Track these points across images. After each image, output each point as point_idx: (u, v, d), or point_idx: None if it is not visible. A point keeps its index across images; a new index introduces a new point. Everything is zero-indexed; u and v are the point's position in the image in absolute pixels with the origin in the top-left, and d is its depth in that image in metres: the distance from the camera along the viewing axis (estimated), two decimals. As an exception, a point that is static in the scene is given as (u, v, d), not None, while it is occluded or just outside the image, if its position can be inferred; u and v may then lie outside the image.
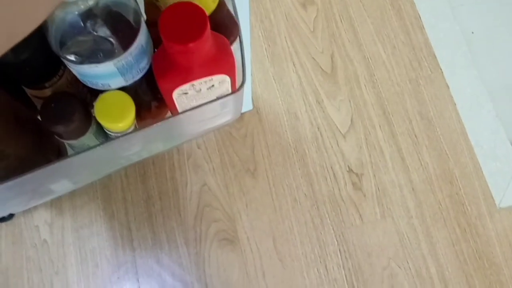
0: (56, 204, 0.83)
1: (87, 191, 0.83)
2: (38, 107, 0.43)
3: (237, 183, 0.84)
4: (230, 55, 0.45)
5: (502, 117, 0.85)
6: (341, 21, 0.94)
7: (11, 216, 0.81)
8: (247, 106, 0.84)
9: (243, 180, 0.84)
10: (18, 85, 0.42)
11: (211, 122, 0.59)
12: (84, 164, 0.46)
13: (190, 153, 0.85)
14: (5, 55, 0.32)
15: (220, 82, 0.47)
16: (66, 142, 0.47)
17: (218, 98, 0.49)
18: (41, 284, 0.80)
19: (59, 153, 0.44)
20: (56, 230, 0.82)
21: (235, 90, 0.51)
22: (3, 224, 0.82)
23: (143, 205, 0.83)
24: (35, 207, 0.82)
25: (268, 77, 0.90)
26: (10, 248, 0.81)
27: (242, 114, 0.87)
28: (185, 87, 0.46)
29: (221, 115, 0.56)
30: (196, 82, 0.46)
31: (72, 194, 0.83)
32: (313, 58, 0.91)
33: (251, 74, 0.73)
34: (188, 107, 0.49)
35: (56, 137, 0.47)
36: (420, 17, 0.93)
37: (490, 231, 0.81)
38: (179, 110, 0.50)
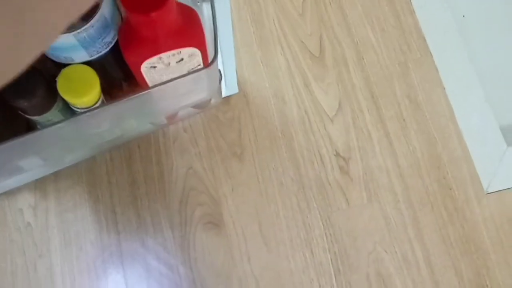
0: (40, 187, 0.82)
1: (71, 174, 0.82)
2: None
3: (223, 167, 0.83)
4: (198, 27, 0.44)
5: (492, 102, 0.84)
6: (330, 4, 0.92)
7: (-6, 198, 0.80)
8: (233, 89, 0.83)
9: (229, 164, 0.83)
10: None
11: (186, 99, 0.58)
12: (51, 140, 0.45)
13: (176, 137, 0.84)
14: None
15: (190, 55, 0.46)
16: (31, 118, 0.46)
17: (189, 73, 0.48)
18: (24, 267, 0.79)
19: (28, 130, 0.43)
20: (40, 213, 0.81)
21: (207, 65, 0.49)
22: (-14, 207, 0.81)
23: (128, 188, 0.82)
24: (19, 190, 0.81)
25: (255, 60, 0.89)
26: (-7, 231, 0.80)
27: (229, 97, 0.85)
28: (152, 60, 0.44)
29: (196, 92, 0.55)
30: (164, 55, 0.45)
31: (56, 177, 0.82)
32: (301, 41, 0.90)
33: (235, 56, 0.72)
34: (159, 81, 0.48)
35: (21, 112, 0.46)
36: (411, 1, 0.92)
37: (477, 216, 0.80)
38: (150, 85, 0.49)
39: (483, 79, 0.86)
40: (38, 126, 0.51)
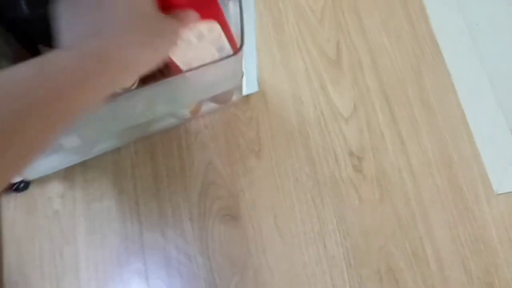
0: (68, 177, 0.87)
1: (98, 166, 0.87)
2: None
3: (242, 163, 0.87)
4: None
5: (503, 105, 0.87)
6: (347, 11, 0.96)
7: (26, 186, 0.85)
8: (253, 87, 0.87)
9: (247, 160, 0.87)
10: (33, 43, 0.45)
11: (212, 88, 0.62)
12: (92, 118, 0.49)
13: (197, 133, 0.89)
14: (21, 10, 0.35)
15: (209, 30, 0.48)
16: None
17: (219, 60, 0.52)
18: (51, 253, 0.84)
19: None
20: (67, 202, 0.86)
21: (235, 49, 0.53)
22: (18, 194, 0.86)
23: (151, 181, 0.87)
24: (49, 179, 0.86)
25: (275, 62, 0.93)
26: (24, 218, 0.85)
27: (249, 96, 0.90)
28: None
29: (223, 81, 0.59)
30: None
31: (83, 168, 0.87)
32: (319, 45, 0.94)
33: (256, 56, 0.76)
34: (189, 65, 0.52)
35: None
36: (425, 8, 0.95)
37: (487, 215, 0.83)
38: (181, 67, 0.52)
39: (494, 83, 0.89)
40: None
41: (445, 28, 0.93)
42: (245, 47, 0.54)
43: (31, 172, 0.80)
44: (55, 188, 0.87)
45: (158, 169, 0.87)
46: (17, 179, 0.83)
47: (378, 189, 0.84)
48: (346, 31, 0.95)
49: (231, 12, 0.56)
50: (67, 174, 0.87)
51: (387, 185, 0.85)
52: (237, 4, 0.53)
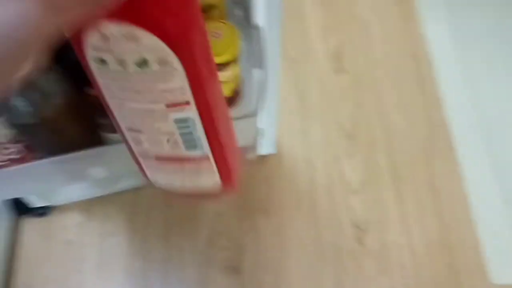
0: (88, 208, 0.92)
1: (116, 201, 0.93)
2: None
3: (250, 219, 0.91)
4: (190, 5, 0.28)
5: (508, 198, 0.90)
6: (368, 90, 1.03)
7: (46, 212, 0.91)
8: (270, 148, 0.93)
9: (255, 216, 0.91)
10: (82, 85, 0.52)
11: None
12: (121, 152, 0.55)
13: (213, 185, 0.94)
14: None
15: (160, 60, 0.31)
16: (108, 135, 0.55)
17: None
18: (59, 279, 0.88)
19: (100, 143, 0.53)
20: (82, 233, 0.91)
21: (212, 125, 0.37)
22: (38, 219, 0.91)
23: (162, 224, 0.92)
24: (69, 208, 0.92)
25: (294, 129, 0.99)
26: (39, 242, 0.90)
27: (265, 156, 0.95)
28: (94, 39, 0.30)
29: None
30: (110, 31, 0.29)
31: (102, 201, 0.92)
32: (338, 119, 1.00)
33: (277, 119, 0.82)
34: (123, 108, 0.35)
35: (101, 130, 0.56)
36: (442, 98, 1.01)
37: (482, 304, 0.84)
38: (106, 97, 0.35)
39: (501, 176, 0.92)
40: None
41: (459, 120, 0.98)
42: (265, 111, 0.60)
43: (55, 198, 0.86)
44: (73, 218, 0.92)
45: (171, 214, 0.92)
46: (39, 204, 0.89)
47: (378, 263, 0.87)
48: (365, 109, 1.01)
49: (254, 79, 0.63)
50: (86, 206, 0.93)
51: (387, 260, 0.87)
52: (262, 72, 0.60)
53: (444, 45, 1.07)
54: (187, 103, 0.34)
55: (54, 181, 0.55)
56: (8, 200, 0.88)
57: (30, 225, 0.92)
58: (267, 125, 0.81)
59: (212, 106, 0.35)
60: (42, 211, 0.90)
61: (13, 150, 0.51)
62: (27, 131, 0.48)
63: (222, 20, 0.53)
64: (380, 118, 1.00)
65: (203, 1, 0.55)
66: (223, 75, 0.53)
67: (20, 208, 0.89)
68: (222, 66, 0.52)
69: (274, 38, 0.60)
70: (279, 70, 0.67)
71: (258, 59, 0.61)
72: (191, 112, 0.35)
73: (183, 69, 0.31)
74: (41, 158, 0.53)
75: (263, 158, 0.96)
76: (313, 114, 1.01)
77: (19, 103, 0.44)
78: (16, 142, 0.51)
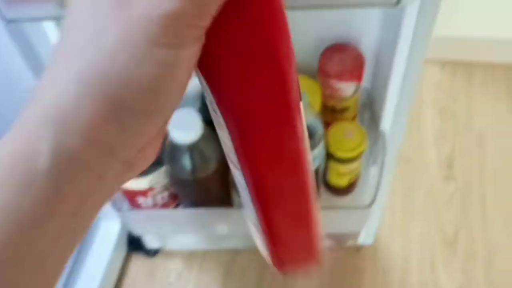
0: (190, 258, 1.01)
1: (216, 260, 1.00)
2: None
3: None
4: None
5: None
6: (474, 203, 1.04)
7: (155, 253, 1.01)
8: (368, 239, 0.96)
9: (343, 303, 0.94)
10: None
11: (339, 225, 0.71)
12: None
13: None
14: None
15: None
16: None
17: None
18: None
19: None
20: (181, 279, 0.99)
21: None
22: (147, 258, 1.02)
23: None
24: (174, 254, 1.01)
25: (395, 224, 1.02)
26: (144, 278, 1.00)
27: (361, 246, 0.99)
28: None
29: (349, 223, 0.68)
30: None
31: (204, 256, 1.01)
32: (440, 224, 1.01)
33: (383, 212, 0.86)
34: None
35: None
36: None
37: None
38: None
39: None
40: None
41: None
42: (376, 205, 0.65)
43: (167, 242, 0.96)
44: (176, 264, 1.01)
45: (263, 279, 0.98)
46: (153, 245, 0.99)
47: None
48: (469, 220, 1.02)
49: (371, 174, 0.69)
50: (189, 256, 1.01)
51: None
52: (379, 169, 0.66)
53: None
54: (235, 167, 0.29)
55: (184, 228, 0.64)
56: (126, 235, 0.99)
57: (138, 262, 1.02)
58: (372, 217, 0.85)
59: (262, 181, 0.29)
60: (152, 252, 1.00)
61: (162, 196, 0.61)
62: (182, 185, 0.58)
63: (354, 121, 0.61)
64: (483, 232, 1.00)
65: (340, 104, 0.63)
66: (347, 168, 0.60)
67: (134, 245, 1.00)
68: (349, 160, 0.59)
69: (396, 142, 0.67)
70: (394, 168, 0.73)
71: (378, 158, 0.68)
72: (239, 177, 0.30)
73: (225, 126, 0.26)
74: (179, 206, 0.62)
75: (359, 247, 0.99)
76: (416, 214, 1.03)
77: (184, 161, 0.54)
78: (165, 189, 0.61)
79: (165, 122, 0.21)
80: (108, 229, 0.95)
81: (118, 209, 0.65)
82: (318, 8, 0.49)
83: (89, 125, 0.19)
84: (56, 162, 0.18)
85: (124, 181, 0.22)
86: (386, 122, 0.67)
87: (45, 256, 0.19)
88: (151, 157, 0.22)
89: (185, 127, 0.53)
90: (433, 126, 1.16)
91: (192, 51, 0.20)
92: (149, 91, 0.19)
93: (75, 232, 0.21)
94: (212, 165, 0.55)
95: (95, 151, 0.19)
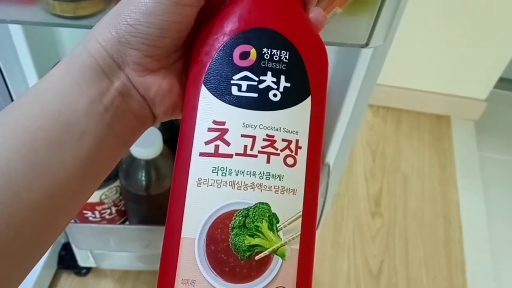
0: (121, 280, 0.99)
1: (148, 282, 1.00)
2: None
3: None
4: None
5: None
6: (399, 238, 1.12)
7: (86, 273, 0.98)
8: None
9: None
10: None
11: None
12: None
13: None
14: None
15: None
16: None
17: None
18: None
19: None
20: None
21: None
22: (76, 277, 0.99)
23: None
24: (105, 274, 0.99)
25: (324, 257, 1.07)
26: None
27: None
28: None
29: None
30: None
31: (136, 278, 1.00)
32: (366, 257, 1.08)
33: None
34: None
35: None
36: (465, 262, 1.09)
37: None
38: None
39: None
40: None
41: (480, 285, 1.05)
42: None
43: (102, 261, 0.95)
44: (108, 284, 0.99)
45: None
46: (86, 263, 0.97)
47: None
48: (392, 255, 1.09)
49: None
50: (122, 276, 1.00)
51: None
52: (321, 199, 0.71)
53: (476, 216, 1.17)
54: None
55: (130, 245, 0.65)
56: (57, 251, 0.96)
57: (68, 280, 0.99)
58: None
59: None
60: (84, 270, 0.97)
61: (110, 212, 0.61)
62: (134, 200, 0.59)
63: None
64: (404, 267, 1.07)
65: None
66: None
67: (65, 262, 0.97)
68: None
69: (337, 177, 0.72)
70: (330, 202, 0.78)
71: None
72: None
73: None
74: (125, 222, 0.63)
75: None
76: (344, 246, 1.09)
77: (140, 177, 0.56)
78: (115, 205, 0.62)
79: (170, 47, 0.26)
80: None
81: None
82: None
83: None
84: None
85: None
86: (330, 156, 0.72)
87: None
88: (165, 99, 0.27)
89: (145, 143, 0.54)
90: (364, 165, 1.24)
91: None
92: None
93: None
94: (167, 183, 0.57)
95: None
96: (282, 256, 0.26)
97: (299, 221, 0.26)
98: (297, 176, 0.27)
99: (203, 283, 0.25)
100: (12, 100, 0.62)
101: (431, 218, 1.16)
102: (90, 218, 0.62)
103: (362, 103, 0.60)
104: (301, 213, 0.26)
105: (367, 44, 0.41)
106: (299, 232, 0.26)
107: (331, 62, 0.29)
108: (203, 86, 0.26)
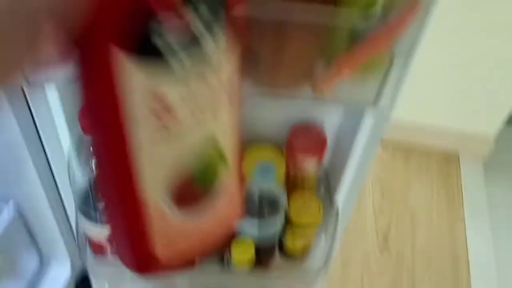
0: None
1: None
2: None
3: None
4: None
5: None
6: (406, 272, 1.13)
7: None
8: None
9: None
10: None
11: None
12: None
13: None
14: None
15: None
16: None
17: None
18: None
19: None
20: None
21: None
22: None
23: None
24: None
25: (333, 291, 1.09)
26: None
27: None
28: None
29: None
30: None
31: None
32: (374, 293, 1.09)
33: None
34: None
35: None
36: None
37: None
38: None
39: None
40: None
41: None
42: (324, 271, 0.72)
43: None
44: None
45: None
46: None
47: None
48: (400, 290, 1.11)
49: (323, 243, 0.75)
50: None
51: None
52: (329, 236, 0.73)
53: (484, 252, 1.18)
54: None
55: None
56: (74, 283, 0.99)
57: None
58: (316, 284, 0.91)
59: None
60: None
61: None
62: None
63: (312, 194, 0.68)
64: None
65: (302, 177, 0.71)
66: (304, 233, 0.67)
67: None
68: (304, 230, 0.66)
69: (347, 214, 0.74)
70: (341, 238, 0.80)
71: (329, 227, 0.75)
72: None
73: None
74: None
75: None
76: (352, 282, 1.11)
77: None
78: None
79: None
80: (57, 274, 0.95)
81: (82, 257, 0.68)
82: (302, 99, 0.57)
83: None
84: None
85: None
86: (340, 196, 0.75)
87: None
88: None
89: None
90: (373, 201, 1.27)
91: None
92: None
93: None
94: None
95: None
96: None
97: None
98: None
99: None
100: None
101: (439, 255, 1.18)
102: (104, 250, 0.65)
103: (374, 144, 0.63)
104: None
105: (375, 104, 0.44)
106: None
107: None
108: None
